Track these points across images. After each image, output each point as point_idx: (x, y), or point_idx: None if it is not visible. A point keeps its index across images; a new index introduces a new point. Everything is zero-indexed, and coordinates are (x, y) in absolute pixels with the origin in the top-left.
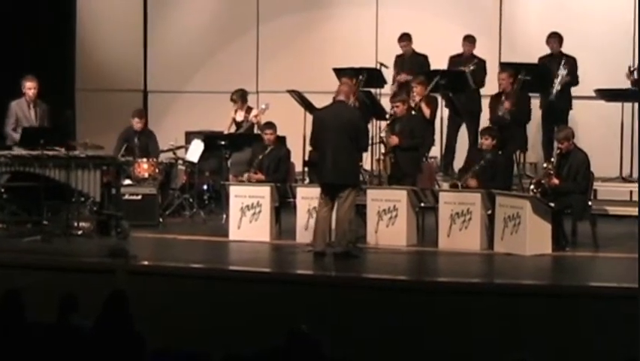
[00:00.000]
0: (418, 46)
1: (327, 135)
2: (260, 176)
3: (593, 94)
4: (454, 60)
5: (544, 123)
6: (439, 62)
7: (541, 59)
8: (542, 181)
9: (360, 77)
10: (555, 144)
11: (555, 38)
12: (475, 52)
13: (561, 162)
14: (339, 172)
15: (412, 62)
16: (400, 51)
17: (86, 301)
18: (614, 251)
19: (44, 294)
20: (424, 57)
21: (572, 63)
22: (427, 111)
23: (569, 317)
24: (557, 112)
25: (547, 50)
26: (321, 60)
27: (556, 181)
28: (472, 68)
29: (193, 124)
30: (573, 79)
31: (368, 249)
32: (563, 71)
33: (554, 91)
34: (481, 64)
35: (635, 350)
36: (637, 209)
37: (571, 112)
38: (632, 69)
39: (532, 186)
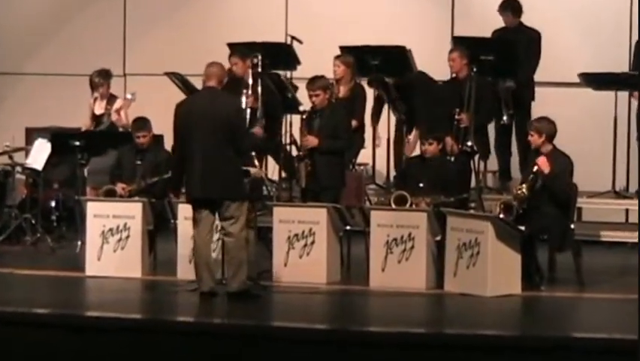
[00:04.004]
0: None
1: (194, 135)
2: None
3: (577, 80)
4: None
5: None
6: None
7: (495, 32)
8: (513, 203)
9: (260, 56)
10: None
11: (508, 8)
12: (421, 23)
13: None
14: (213, 184)
15: None
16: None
17: None
18: (604, 290)
19: None
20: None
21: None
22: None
23: None
24: (517, 105)
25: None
26: (210, 34)
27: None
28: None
29: (36, 118)
30: (534, 63)
31: (274, 287)
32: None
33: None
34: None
35: None
36: (637, 233)
37: (533, 104)
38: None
39: (498, 210)
